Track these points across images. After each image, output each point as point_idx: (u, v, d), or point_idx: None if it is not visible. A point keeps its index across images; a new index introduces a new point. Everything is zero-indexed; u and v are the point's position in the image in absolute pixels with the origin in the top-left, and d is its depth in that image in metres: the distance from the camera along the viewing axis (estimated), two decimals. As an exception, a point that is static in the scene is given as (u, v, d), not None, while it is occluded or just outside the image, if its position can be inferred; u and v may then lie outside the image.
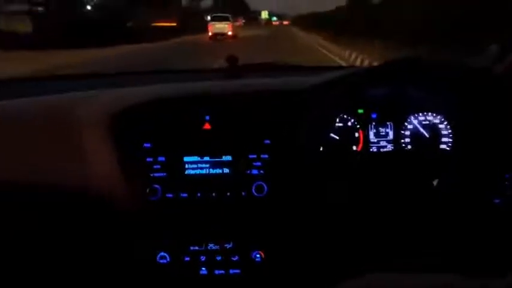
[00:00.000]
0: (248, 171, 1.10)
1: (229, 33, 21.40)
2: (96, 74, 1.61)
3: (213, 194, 1.09)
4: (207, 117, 1.09)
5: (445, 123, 1.17)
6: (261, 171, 1.10)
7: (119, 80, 1.42)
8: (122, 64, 9.32)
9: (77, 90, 1.19)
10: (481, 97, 1.10)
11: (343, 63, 9.77)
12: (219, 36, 20.88)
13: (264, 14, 72.67)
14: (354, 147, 1.17)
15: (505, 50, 1.12)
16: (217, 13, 25.27)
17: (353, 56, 10.23)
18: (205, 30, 22.49)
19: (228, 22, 22.03)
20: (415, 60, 1.14)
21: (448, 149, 1.17)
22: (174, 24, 24.45)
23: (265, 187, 1.09)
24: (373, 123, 1.17)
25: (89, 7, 21.43)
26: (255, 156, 1.10)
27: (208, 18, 29.90)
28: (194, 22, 28.32)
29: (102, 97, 1.13)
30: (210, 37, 20.91)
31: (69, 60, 9.28)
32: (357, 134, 1.17)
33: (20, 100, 1.17)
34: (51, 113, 1.11)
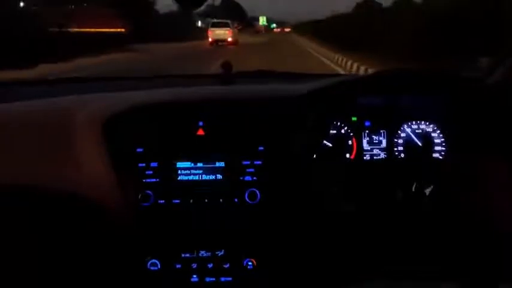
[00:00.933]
0: (241, 178, 1.09)
1: (229, 39, 21.67)
2: (91, 78, 1.61)
3: (206, 201, 1.09)
4: (201, 123, 1.09)
5: (438, 132, 1.17)
6: (254, 178, 1.09)
7: (113, 85, 1.42)
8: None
9: (71, 94, 1.19)
10: (473, 107, 1.11)
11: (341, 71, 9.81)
12: (220, 42, 21.17)
13: (262, 20, 67.85)
14: (347, 155, 1.17)
15: (496, 62, 1.13)
16: (213, 18, 25.49)
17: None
18: (198, 37, 21.76)
19: (228, 28, 22.33)
20: (409, 70, 1.15)
21: (440, 157, 1.17)
22: (121, 30, 18.11)
23: (258, 194, 1.08)
24: (367, 131, 1.17)
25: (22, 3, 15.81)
26: (248, 162, 1.10)
27: (199, 23, 29.77)
28: (184, 28, 25.66)
29: (95, 101, 1.13)
30: (210, 43, 21.28)
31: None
32: (350, 142, 1.17)
33: (14, 104, 1.16)
34: (44, 117, 1.11)
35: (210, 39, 21.62)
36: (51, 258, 1.12)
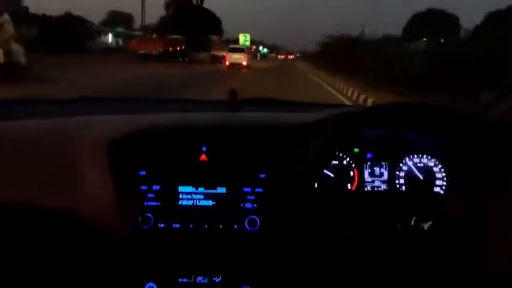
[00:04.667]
0: (242, 205, 1.10)
1: (244, 63, 24.76)
2: (95, 98, 1.63)
3: (205, 226, 1.09)
4: (204, 149, 1.11)
5: (440, 166, 1.18)
6: (255, 205, 1.10)
7: (118, 106, 1.44)
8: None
9: (77, 114, 1.21)
10: (475, 142, 1.12)
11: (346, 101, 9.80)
12: (236, 66, 23.38)
13: (244, 39, 48.49)
14: (349, 186, 1.17)
15: (498, 98, 1.15)
16: (152, 34, 25.61)
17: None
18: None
19: (244, 54, 25.52)
20: (411, 103, 1.17)
21: (442, 192, 1.17)
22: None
23: (258, 221, 1.08)
24: (368, 163, 1.18)
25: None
26: (249, 189, 1.10)
27: (110, 39, 23.80)
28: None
29: (101, 123, 1.15)
30: (228, 66, 24.26)
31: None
32: (351, 173, 1.18)
33: (20, 122, 1.18)
34: (48, 137, 1.12)
35: (227, 63, 24.58)
36: (48, 278, 1.11)
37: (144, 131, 1.11)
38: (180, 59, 25.86)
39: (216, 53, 31.44)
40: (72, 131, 1.12)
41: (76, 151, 1.07)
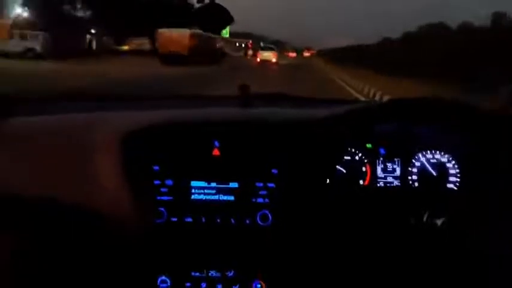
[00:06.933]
0: (254, 199, 1.10)
1: (274, 60, 28.39)
2: (110, 95, 1.65)
3: (218, 220, 1.09)
4: (216, 144, 1.11)
5: (453, 162, 1.16)
6: (267, 200, 1.10)
7: (132, 103, 1.45)
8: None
9: (91, 111, 1.22)
10: (490, 138, 1.10)
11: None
12: (266, 62, 26.88)
13: (225, 32, 39.26)
14: (361, 181, 1.17)
15: None
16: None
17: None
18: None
19: (273, 51, 29.81)
20: (425, 99, 1.16)
21: (455, 188, 1.16)
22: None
23: (270, 216, 1.09)
24: (381, 159, 1.17)
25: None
26: (261, 184, 1.10)
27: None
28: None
29: (114, 119, 1.16)
30: (259, 62, 27.66)
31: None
32: (364, 168, 1.17)
33: (37, 117, 1.20)
34: (63, 133, 1.13)
35: (258, 59, 28.65)
36: (61, 272, 1.13)
37: (158, 127, 1.12)
38: None
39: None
40: (87, 126, 1.13)
41: (91, 146, 1.09)
